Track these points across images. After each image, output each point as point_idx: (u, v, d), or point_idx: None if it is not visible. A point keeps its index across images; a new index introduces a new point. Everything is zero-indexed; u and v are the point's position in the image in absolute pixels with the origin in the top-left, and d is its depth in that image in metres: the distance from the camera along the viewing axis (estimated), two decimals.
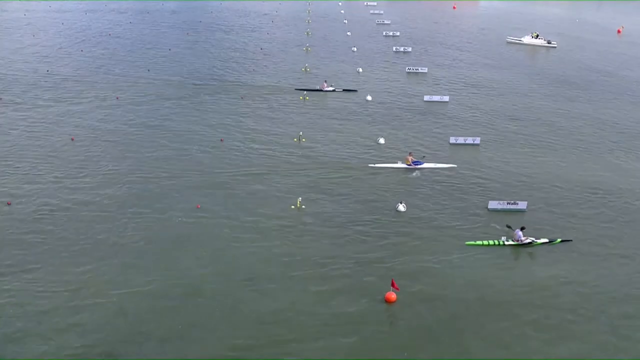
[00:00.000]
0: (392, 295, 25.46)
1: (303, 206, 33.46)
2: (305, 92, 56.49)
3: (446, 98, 56.28)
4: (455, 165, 40.27)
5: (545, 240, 30.75)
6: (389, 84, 61.70)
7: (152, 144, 42.77)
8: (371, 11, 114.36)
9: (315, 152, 42.06)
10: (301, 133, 44.88)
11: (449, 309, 25.35)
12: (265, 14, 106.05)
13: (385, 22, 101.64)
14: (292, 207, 33.49)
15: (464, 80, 64.63)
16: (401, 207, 33.54)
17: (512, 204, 34.24)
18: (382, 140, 44.13)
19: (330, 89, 57.43)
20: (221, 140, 43.54)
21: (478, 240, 30.58)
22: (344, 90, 57.64)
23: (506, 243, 30.39)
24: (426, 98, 56.12)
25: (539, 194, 36.66)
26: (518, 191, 36.81)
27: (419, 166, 39.75)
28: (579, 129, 49.73)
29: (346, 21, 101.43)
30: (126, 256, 28.43)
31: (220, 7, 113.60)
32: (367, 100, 54.96)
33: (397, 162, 40.12)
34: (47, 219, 31.63)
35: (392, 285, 25.55)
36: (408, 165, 39.73)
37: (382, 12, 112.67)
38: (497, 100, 57.26)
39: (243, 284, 26.55)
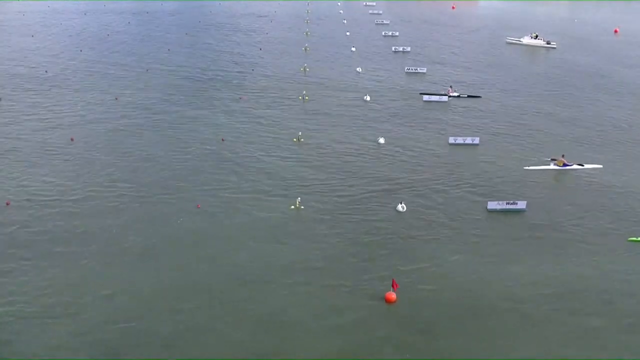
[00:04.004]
0: (392, 295, 25.43)
1: (302, 206, 33.43)
2: (425, 94, 57.33)
3: (445, 98, 56.26)
4: (601, 166, 40.53)
5: None
6: (388, 83, 61.65)
7: (151, 144, 42.72)
8: (370, 11, 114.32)
9: (315, 152, 42.01)
10: (300, 133, 44.84)
11: (448, 308, 25.34)
12: (265, 15, 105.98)
13: (385, 22, 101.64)
14: (292, 207, 33.44)
15: (463, 80, 64.56)
16: (400, 208, 33.51)
17: (511, 204, 34.21)
18: (382, 140, 44.10)
19: (456, 94, 57.58)
20: (222, 139, 43.54)
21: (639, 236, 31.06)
22: (468, 96, 57.65)
23: None
24: (425, 98, 56.11)
25: (538, 193, 36.62)
26: (518, 191, 36.79)
27: (569, 167, 40.14)
28: (578, 128, 49.66)
29: (345, 21, 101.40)
30: (127, 256, 28.39)
31: (220, 8, 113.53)
32: (366, 101, 54.89)
33: (550, 165, 40.47)
34: (46, 218, 31.57)
35: (393, 285, 25.51)
36: (560, 167, 40.08)
37: (381, 12, 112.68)
38: (496, 101, 57.20)
39: (243, 283, 26.52)
